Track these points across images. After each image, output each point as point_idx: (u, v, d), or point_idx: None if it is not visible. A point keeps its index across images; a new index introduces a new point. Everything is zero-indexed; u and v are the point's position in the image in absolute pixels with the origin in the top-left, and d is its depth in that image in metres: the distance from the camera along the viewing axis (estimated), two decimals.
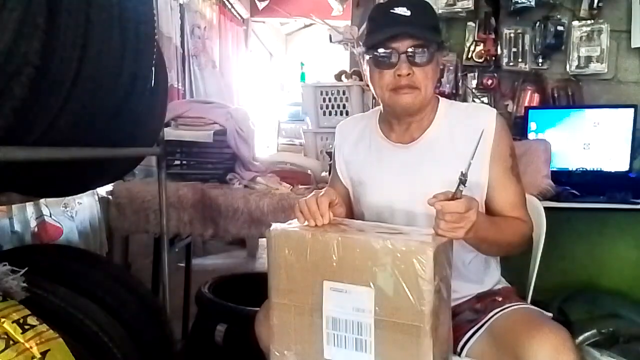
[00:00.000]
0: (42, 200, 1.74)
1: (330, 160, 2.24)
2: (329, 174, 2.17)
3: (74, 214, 1.89)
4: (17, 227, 1.67)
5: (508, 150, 1.17)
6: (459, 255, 1.15)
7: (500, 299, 1.15)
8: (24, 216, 1.69)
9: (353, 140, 1.29)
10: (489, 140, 1.14)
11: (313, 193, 1.04)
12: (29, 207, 1.72)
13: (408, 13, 1.07)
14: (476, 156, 1.08)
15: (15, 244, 1.64)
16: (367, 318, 0.88)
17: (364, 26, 2.66)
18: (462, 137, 1.14)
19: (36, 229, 1.73)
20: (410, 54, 1.08)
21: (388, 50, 1.09)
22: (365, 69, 1.19)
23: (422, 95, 1.12)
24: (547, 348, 0.90)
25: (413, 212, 1.15)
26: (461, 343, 1.08)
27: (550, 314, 1.09)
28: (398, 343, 0.86)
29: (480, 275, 1.21)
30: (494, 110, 1.19)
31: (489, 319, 1.08)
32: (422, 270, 0.83)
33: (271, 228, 0.96)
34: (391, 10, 1.08)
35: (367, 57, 1.15)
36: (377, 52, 1.11)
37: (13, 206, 1.64)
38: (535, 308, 1.10)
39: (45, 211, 1.77)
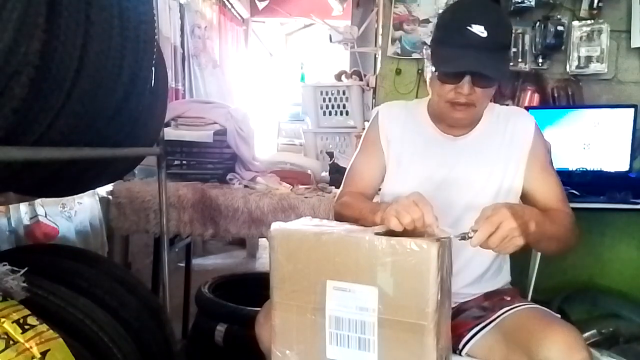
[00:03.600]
0: (38, 200, 1.73)
1: (330, 160, 2.26)
2: (329, 173, 2.18)
3: (73, 214, 1.89)
4: (14, 226, 1.67)
5: (544, 148, 1.22)
6: (474, 256, 1.17)
7: (508, 298, 1.17)
8: (19, 216, 1.69)
9: (401, 122, 1.27)
10: (527, 146, 1.19)
11: (401, 196, 0.95)
12: (22, 207, 1.71)
13: (485, 34, 1.03)
14: (512, 162, 1.18)
15: (13, 243, 1.64)
16: (370, 317, 0.87)
17: (364, 26, 2.68)
18: (504, 140, 1.19)
19: (29, 229, 1.72)
20: (476, 76, 1.06)
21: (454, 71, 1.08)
22: (427, 70, 1.20)
23: (476, 111, 1.14)
24: (560, 345, 0.90)
25: (450, 203, 1.16)
26: (465, 339, 1.09)
27: (559, 315, 1.09)
28: (401, 341, 0.86)
29: (493, 276, 1.23)
30: (532, 116, 1.23)
31: (498, 316, 1.08)
32: (426, 268, 0.83)
33: (273, 227, 0.96)
34: (467, 27, 1.04)
35: (431, 66, 1.14)
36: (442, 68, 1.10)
37: (10, 206, 1.64)
38: (545, 308, 1.11)
39: (40, 211, 1.76)
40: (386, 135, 1.27)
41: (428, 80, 1.19)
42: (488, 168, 1.18)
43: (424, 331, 0.84)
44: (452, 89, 1.09)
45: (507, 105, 2.15)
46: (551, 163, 1.22)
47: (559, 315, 1.08)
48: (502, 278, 1.25)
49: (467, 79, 1.07)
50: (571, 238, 1.12)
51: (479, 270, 1.19)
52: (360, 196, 1.25)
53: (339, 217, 1.18)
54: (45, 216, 1.78)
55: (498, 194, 1.18)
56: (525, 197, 1.20)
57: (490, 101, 1.21)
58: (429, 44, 1.27)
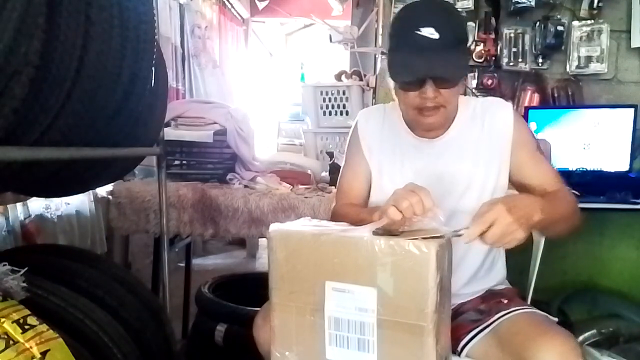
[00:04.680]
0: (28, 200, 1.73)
1: (330, 160, 2.26)
2: (329, 173, 2.18)
3: (59, 214, 1.88)
4: (12, 226, 1.67)
5: (528, 133, 1.19)
6: (467, 254, 1.17)
7: (505, 300, 1.15)
8: (15, 215, 1.69)
9: (378, 130, 1.26)
10: (508, 137, 1.16)
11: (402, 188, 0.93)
12: (18, 207, 1.71)
13: (436, 36, 1.00)
14: (494, 156, 1.15)
15: (11, 243, 1.64)
16: (370, 318, 0.87)
17: (364, 26, 2.67)
18: (483, 134, 1.17)
19: (25, 228, 1.72)
20: (437, 78, 1.04)
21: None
22: (389, 80, 1.18)
23: (447, 112, 1.11)
24: (554, 354, 0.89)
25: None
26: (462, 342, 1.08)
27: (556, 319, 1.08)
28: (401, 342, 0.86)
29: (486, 274, 1.22)
30: (509, 104, 1.21)
31: (495, 320, 1.07)
32: (424, 269, 0.83)
33: (271, 228, 0.96)
34: (416, 31, 1.01)
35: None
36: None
37: (8, 206, 1.64)
38: (542, 312, 1.09)
39: (25, 212, 1.76)
40: (367, 144, 1.26)
41: (393, 90, 1.16)
42: (470, 166, 1.16)
43: (424, 332, 0.84)
44: (416, 95, 1.07)
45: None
46: (539, 147, 1.18)
47: (556, 319, 1.07)
48: (498, 273, 1.24)
49: (429, 83, 1.04)
50: (577, 214, 1.10)
51: (472, 269, 1.19)
52: (355, 206, 1.25)
53: None
54: (30, 217, 1.78)
55: (483, 190, 1.16)
56: (522, 187, 1.18)
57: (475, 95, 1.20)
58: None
